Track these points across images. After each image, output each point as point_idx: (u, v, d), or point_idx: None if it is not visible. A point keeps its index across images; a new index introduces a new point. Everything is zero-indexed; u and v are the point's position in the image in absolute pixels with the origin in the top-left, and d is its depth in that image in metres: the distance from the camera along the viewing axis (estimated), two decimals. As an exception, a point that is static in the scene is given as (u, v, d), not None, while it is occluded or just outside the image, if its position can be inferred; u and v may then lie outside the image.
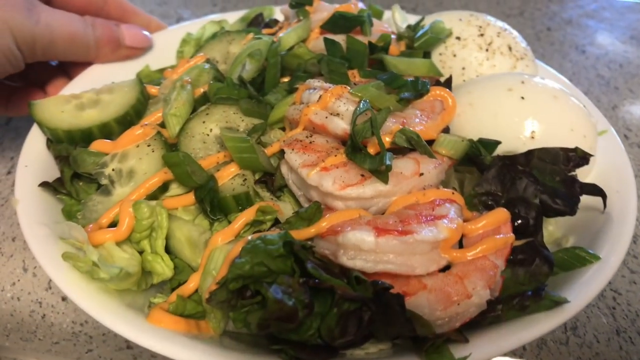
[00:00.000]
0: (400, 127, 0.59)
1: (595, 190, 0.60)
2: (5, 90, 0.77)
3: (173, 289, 0.55)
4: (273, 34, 0.84)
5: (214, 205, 0.58)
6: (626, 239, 0.58)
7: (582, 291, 0.52)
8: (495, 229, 0.54)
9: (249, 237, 0.49)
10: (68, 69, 0.82)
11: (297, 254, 0.46)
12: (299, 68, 0.71)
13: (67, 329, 0.67)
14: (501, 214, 0.55)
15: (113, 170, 0.61)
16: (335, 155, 0.57)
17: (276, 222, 0.57)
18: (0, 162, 0.86)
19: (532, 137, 0.63)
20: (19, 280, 0.70)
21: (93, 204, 0.59)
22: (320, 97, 0.60)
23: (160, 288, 0.58)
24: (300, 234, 0.51)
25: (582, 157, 0.60)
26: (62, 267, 0.52)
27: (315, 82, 0.63)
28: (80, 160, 0.62)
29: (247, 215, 0.55)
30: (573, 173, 0.60)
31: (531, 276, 0.53)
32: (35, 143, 0.67)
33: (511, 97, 0.64)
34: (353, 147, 0.56)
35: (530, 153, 0.60)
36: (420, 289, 0.49)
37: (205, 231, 0.56)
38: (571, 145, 0.61)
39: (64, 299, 0.67)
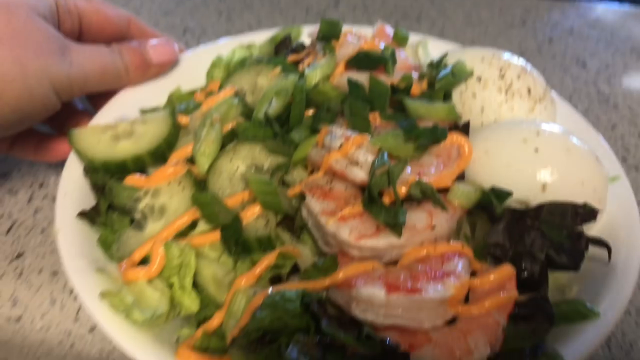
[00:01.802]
0: (417, 177, 0.63)
1: (601, 243, 0.63)
2: (34, 137, 0.80)
3: (198, 321, 0.60)
4: (300, 61, 0.88)
5: (238, 245, 0.62)
6: (627, 294, 0.61)
7: (578, 349, 0.55)
8: (500, 285, 0.57)
9: (269, 291, 0.53)
10: (92, 100, 0.85)
11: (314, 311, 0.50)
12: (323, 105, 0.74)
13: (95, 356, 0.71)
14: (507, 271, 0.58)
15: (146, 205, 0.65)
16: (353, 206, 0.61)
17: (295, 265, 0.61)
18: (21, 188, 0.88)
19: (544, 190, 0.65)
20: (48, 312, 0.73)
21: (127, 238, 0.64)
22: (341, 145, 0.64)
23: (186, 319, 0.62)
24: (316, 285, 0.55)
25: (589, 213, 0.63)
26: (98, 303, 0.57)
27: (338, 130, 0.66)
28: (115, 193, 0.66)
29: (269, 260, 0.59)
30: (580, 228, 0.63)
31: (532, 331, 0.56)
32: (73, 171, 0.71)
33: (525, 149, 0.67)
34: (370, 198, 0.60)
35: (540, 207, 0.63)
36: (426, 342, 0.53)
37: (229, 271, 0.61)
38: (581, 198, 0.64)
39: (92, 330, 0.71)
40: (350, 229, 0.59)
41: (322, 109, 0.73)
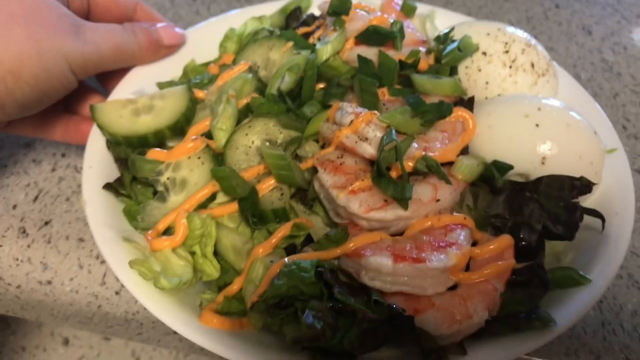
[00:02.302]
0: (423, 152, 0.66)
1: (595, 214, 0.67)
2: (62, 119, 0.82)
3: (218, 287, 0.65)
4: (310, 33, 0.90)
5: (255, 216, 0.66)
6: (617, 262, 0.65)
7: (569, 313, 0.60)
8: (499, 253, 0.62)
9: (286, 260, 0.58)
10: (102, 80, 0.87)
11: (327, 280, 0.55)
12: (334, 80, 0.77)
13: (120, 317, 0.76)
14: (506, 241, 0.62)
15: (168, 179, 0.70)
16: (363, 180, 0.65)
17: (308, 235, 0.66)
18: (44, 158, 0.91)
19: (543, 163, 0.69)
20: (76, 276, 0.78)
21: (151, 209, 0.68)
22: (351, 121, 0.67)
23: (207, 284, 0.67)
24: (329, 254, 0.60)
25: (585, 186, 0.67)
26: (128, 271, 0.62)
27: (348, 107, 0.69)
28: (138, 166, 0.70)
29: (284, 230, 0.64)
30: (576, 200, 0.67)
31: (528, 296, 0.61)
32: (96, 144, 0.75)
33: (527, 124, 0.70)
34: (378, 173, 0.64)
35: (539, 180, 0.67)
36: (429, 307, 0.58)
37: (247, 240, 0.66)
38: (578, 172, 0.67)
39: (117, 293, 0.76)
40: (360, 202, 0.63)
41: (332, 84, 0.76)
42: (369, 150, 0.66)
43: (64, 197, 0.87)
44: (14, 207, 0.85)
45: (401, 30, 0.80)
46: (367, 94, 0.72)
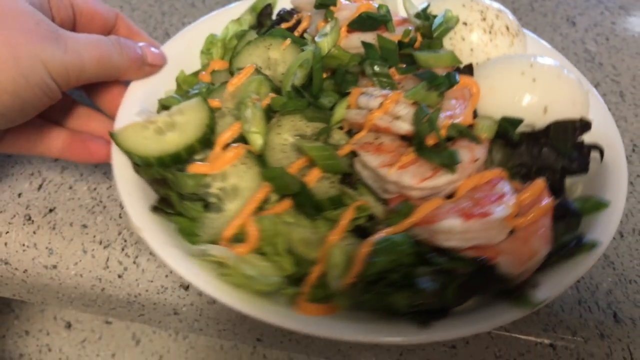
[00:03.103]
0: (450, 121, 0.73)
1: (596, 147, 0.78)
2: (61, 134, 0.80)
3: (294, 280, 0.68)
4: (292, 28, 0.93)
5: (313, 208, 0.70)
6: (624, 183, 0.76)
7: (604, 231, 0.70)
8: (538, 196, 0.70)
9: (375, 239, 0.62)
10: (90, 93, 0.85)
11: (421, 248, 0.61)
12: (341, 69, 0.81)
13: (123, 299, 0.81)
14: (540, 184, 0.71)
15: (218, 189, 0.71)
16: (407, 155, 0.70)
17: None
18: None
19: (545, 112, 0.78)
20: (80, 261, 0.82)
21: (210, 222, 0.69)
22: (381, 103, 0.72)
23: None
24: (402, 227, 0.65)
25: (585, 125, 0.77)
26: (214, 284, 0.64)
27: (374, 90, 0.74)
28: (182, 184, 0.71)
29: (350, 214, 0.68)
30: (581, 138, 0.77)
31: (568, 227, 0.70)
32: (123, 169, 0.74)
33: (525, 80, 0.79)
34: (420, 145, 0.69)
35: (548, 127, 0.76)
36: (499, 254, 0.65)
37: (316, 232, 0.69)
38: (573, 114, 0.78)
39: (120, 276, 0.81)
40: (412, 174, 0.68)
41: (340, 72, 0.80)
42: (405, 127, 0.71)
43: (67, 186, 0.90)
44: (19, 195, 0.88)
45: (389, 13, 0.86)
46: (381, 76, 0.77)
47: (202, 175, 0.71)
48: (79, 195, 0.89)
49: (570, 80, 0.81)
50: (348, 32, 0.85)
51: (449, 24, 0.86)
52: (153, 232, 0.68)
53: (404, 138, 0.73)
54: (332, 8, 0.87)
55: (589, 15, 1.33)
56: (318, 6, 0.88)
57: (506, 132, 0.76)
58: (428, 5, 0.91)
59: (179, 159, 0.74)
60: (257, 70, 0.81)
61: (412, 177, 0.68)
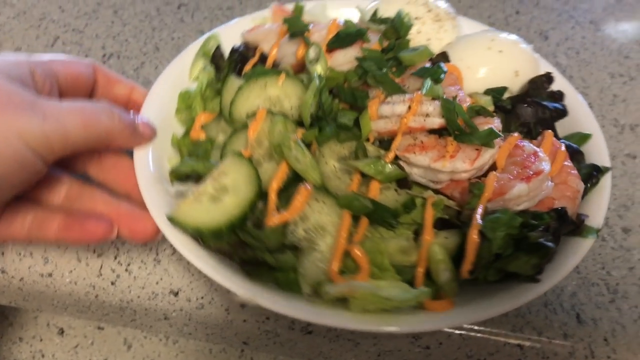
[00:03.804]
0: (465, 105, 0.82)
1: (562, 93, 0.93)
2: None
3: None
4: (261, 62, 0.95)
5: (392, 217, 0.75)
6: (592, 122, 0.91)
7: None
8: (554, 145, 0.83)
9: (480, 222, 0.70)
10: (93, 170, 0.81)
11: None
12: (342, 87, 0.85)
13: (116, 305, 0.86)
14: (550, 134, 0.84)
15: (304, 231, 0.72)
16: (450, 144, 0.78)
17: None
18: None
19: (517, 75, 0.91)
20: (75, 269, 0.86)
21: (310, 265, 0.71)
22: (409, 107, 0.79)
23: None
24: (484, 202, 0.73)
25: (549, 76, 0.92)
26: (345, 315, 0.66)
27: (396, 98, 0.80)
28: (267, 240, 0.71)
29: (430, 212, 0.74)
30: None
31: (578, 163, 0.84)
32: (191, 247, 0.72)
33: (493, 53, 0.91)
34: (458, 133, 0.78)
35: (527, 87, 0.90)
36: (554, 202, 0.77)
37: (408, 238, 0.74)
38: (535, 72, 0.92)
39: (113, 283, 0.86)
40: (462, 160, 0.77)
41: (346, 91, 0.85)
42: (437, 121, 0.79)
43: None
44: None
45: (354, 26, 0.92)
46: (388, 84, 0.84)
47: (283, 226, 0.72)
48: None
49: (522, 45, 0.95)
50: (328, 51, 0.89)
51: (409, 22, 0.94)
52: (266, 296, 0.68)
53: (432, 132, 0.81)
54: (306, 34, 0.90)
55: (560, 30, 1.39)
56: (292, 35, 0.90)
57: (497, 101, 0.88)
58: (376, 10, 0.99)
59: (245, 219, 0.73)
60: (270, 112, 0.82)
61: (463, 162, 0.76)
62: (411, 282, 0.72)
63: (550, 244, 0.68)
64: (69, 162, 0.81)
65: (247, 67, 0.93)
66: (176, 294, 0.85)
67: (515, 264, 0.68)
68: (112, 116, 0.73)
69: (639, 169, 1.02)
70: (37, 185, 0.76)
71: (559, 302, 0.84)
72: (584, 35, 1.37)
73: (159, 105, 0.89)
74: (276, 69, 0.93)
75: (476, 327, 0.81)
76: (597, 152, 0.86)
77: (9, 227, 0.73)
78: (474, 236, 0.69)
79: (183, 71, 0.97)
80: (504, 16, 1.43)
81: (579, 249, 0.73)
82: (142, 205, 0.76)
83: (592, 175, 0.81)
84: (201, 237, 0.72)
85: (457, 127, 0.77)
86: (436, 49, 0.97)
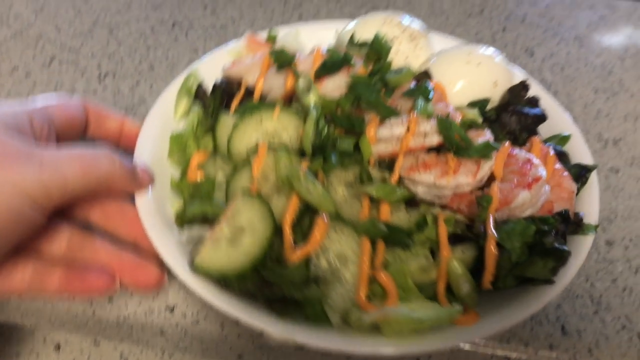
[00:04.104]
0: (457, 120, 0.86)
1: (538, 98, 0.98)
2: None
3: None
4: (247, 97, 0.95)
5: (407, 237, 0.77)
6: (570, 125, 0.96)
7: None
8: (543, 149, 0.88)
9: (494, 235, 0.73)
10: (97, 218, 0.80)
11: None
12: (335, 115, 0.87)
13: (113, 321, 0.87)
14: (538, 140, 0.88)
15: (327, 263, 0.73)
16: (452, 160, 0.81)
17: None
18: None
19: (496, 86, 0.96)
20: None
21: (339, 296, 0.72)
22: (408, 128, 0.82)
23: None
24: (492, 213, 0.76)
25: (525, 85, 0.97)
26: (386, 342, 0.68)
27: (393, 120, 0.83)
28: (292, 277, 0.72)
29: (444, 229, 0.77)
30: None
31: (565, 163, 0.89)
32: (214, 292, 0.71)
33: (472, 67, 0.95)
34: (456, 148, 0.81)
35: (506, 97, 0.94)
36: (553, 205, 0.81)
37: (427, 256, 0.76)
38: (510, 82, 0.97)
39: (110, 300, 0.87)
40: (465, 174, 0.80)
41: (341, 117, 0.86)
42: (436, 139, 0.82)
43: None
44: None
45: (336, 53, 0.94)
46: (382, 108, 0.86)
47: (305, 261, 0.73)
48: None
49: (496, 58, 0.99)
50: (316, 80, 0.91)
51: (387, 43, 0.97)
52: (302, 333, 0.68)
53: (430, 149, 0.84)
54: (293, 65, 0.91)
55: (546, 46, 1.42)
56: (280, 67, 0.91)
57: (483, 112, 0.92)
58: (353, 34, 1.01)
59: (266, 257, 0.73)
60: (271, 145, 0.83)
61: (466, 176, 0.80)
62: (433, 298, 0.75)
63: (565, 247, 0.71)
64: (69, 210, 0.79)
65: (235, 103, 0.93)
66: (172, 310, 0.86)
67: (532, 270, 0.71)
68: (113, 162, 0.73)
69: (622, 182, 1.07)
70: (37, 236, 0.74)
71: (545, 313, 0.85)
72: (569, 51, 1.41)
73: (151, 148, 0.88)
74: (264, 101, 0.93)
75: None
76: (579, 151, 0.92)
77: (9, 282, 0.71)
78: (492, 248, 0.72)
79: (168, 110, 0.96)
80: (491, 33, 1.46)
81: (582, 247, 0.78)
82: (147, 253, 0.76)
83: (580, 174, 0.86)
84: (226, 281, 0.71)
85: (455, 144, 0.80)
86: (414, 66, 1.01)
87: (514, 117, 0.92)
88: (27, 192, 0.62)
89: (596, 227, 0.80)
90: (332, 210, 0.76)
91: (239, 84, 0.97)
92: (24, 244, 0.72)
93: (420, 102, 0.85)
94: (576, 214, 0.81)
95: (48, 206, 0.66)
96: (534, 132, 0.93)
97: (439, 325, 0.70)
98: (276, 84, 0.93)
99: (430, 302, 0.72)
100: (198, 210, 0.80)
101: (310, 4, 1.55)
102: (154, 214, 0.79)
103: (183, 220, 0.82)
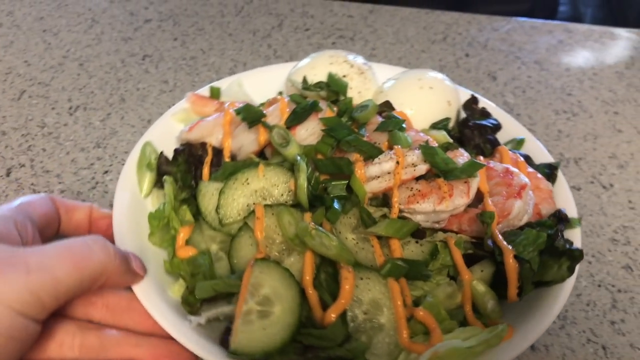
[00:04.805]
0: (434, 144, 0.89)
1: (487, 110, 1.05)
2: None
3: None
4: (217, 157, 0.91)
5: (425, 268, 0.78)
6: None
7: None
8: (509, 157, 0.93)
9: (511, 249, 0.76)
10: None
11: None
12: (319, 161, 0.86)
13: None
14: (506, 149, 0.94)
15: (365, 313, 0.72)
16: (444, 185, 0.84)
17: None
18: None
19: (450, 105, 1.01)
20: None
21: (384, 344, 0.71)
22: (397, 162, 0.83)
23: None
24: (496, 228, 0.80)
25: (474, 98, 1.03)
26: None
27: (382, 157, 0.83)
28: (333, 337, 0.70)
29: (458, 254, 0.79)
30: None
31: (531, 164, 0.96)
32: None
33: (426, 91, 1.00)
34: (445, 172, 0.84)
35: (466, 114, 1.00)
36: (540, 208, 0.87)
37: (450, 283, 0.78)
38: (460, 99, 1.03)
39: None
40: (459, 196, 0.83)
41: (326, 162, 0.86)
42: (424, 167, 0.84)
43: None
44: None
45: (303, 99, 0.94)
46: (364, 146, 0.86)
47: (343, 317, 0.71)
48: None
49: (445, 80, 1.04)
50: (291, 129, 0.90)
51: (341, 81, 0.99)
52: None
53: (417, 178, 0.86)
54: (263, 120, 0.89)
55: (507, 70, 1.47)
56: (251, 124, 0.89)
57: (447, 132, 0.96)
58: (305, 77, 1.01)
59: (300, 323, 0.71)
60: (268, 206, 0.80)
61: (461, 197, 0.82)
62: (463, 322, 0.76)
63: (576, 247, 0.76)
64: (68, 310, 0.70)
65: (206, 168, 0.89)
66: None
67: (550, 274, 0.76)
68: (106, 249, 0.66)
69: (584, 200, 1.15)
70: (41, 344, 0.66)
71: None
72: (530, 75, 1.47)
73: (128, 233, 0.82)
74: (235, 161, 0.90)
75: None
76: (539, 152, 0.99)
77: None
78: (511, 262, 0.75)
79: (133, 188, 0.89)
80: (455, 59, 1.50)
81: (575, 239, 0.84)
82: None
83: (549, 173, 0.93)
84: (267, 358, 0.67)
85: (442, 168, 0.83)
86: (364, 99, 1.03)
87: (475, 130, 0.97)
88: (14, 305, 0.56)
89: (579, 219, 0.86)
90: (352, 260, 0.75)
91: (203, 147, 0.93)
92: (28, 356, 0.64)
93: (401, 134, 0.86)
94: (560, 211, 0.87)
95: (42, 314, 0.59)
96: (497, 142, 0.98)
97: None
98: (247, 141, 0.90)
99: (471, 328, 0.73)
100: (209, 290, 0.75)
101: (278, 34, 1.58)
102: (160, 304, 0.73)
103: (194, 304, 0.76)
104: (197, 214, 0.86)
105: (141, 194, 0.90)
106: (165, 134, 0.99)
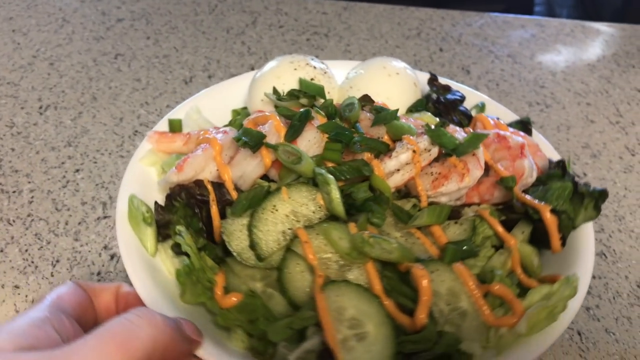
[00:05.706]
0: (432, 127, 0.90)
1: (448, 85, 1.09)
2: None
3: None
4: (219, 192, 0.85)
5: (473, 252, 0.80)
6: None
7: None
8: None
9: (548, 207, 0.80)
10: None
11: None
12: (336, 169, 0.83)
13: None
14: (483, 115, 0.98)
15: (447, 305, 0.72)
16: (457, 163, 0.85)
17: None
18: None
19: (416, 86, 1.03)
20: None
21: (471, 328, 0.71)
22: (414, 150, 0.83)
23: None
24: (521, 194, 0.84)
25: (434, 75, 1.07)
26: None
27: (399, 148, 0.83)
28: (430, 336, 0.69)
29: (496, 222, 0.81)
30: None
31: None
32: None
33: (394, 77, 1.01)
34: (457, 150, 0.85)
35: (433, 91, 1.03)
36: (537, 162, 0.93)
37: (501, 252, 0.80)
38: (419, 80, 1.06)
39: None
40: (475, 168, 0.85)
41: (341, 170, 0.83)
42: (436, 149, 0.85)
43: None
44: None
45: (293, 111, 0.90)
46: (372, 143, 0.85)
47: (430, 315, 0.70)
48: (10, 258, 0.98)
49: (407, 66, 1.06)
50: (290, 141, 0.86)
51: (318, 84, 0.96)
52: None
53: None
54: (265, 141, 0.84)
55: (481, 64, 1.45)
56: (255, 148, 0.83)
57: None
58: (274, 88, 0.97)
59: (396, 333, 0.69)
60: (309, 227, 0.76)
61: (476, 170, 0.85)
62: (518, 285, 0.79)
63: (597, 187, 0.82)
64: None
65: (214, 207, 0.82)
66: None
67: (581, 218, 0.81)
68: (153, 320, 0.58)
69: None
70: None
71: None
72: (503, 68, 1.49)
73: (160, 300, 0.73)
74: (239, 191, 0.84)
75: None
76: (502, 112, 1.05)
77: None
78: (549, 217, 0.79)
79: (139, 252, 0.80)
80: (429, 54, 1.50)
81: None
82: None
83: (525, 129, 0.99)
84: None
85: (451, 147, 0.85)
86: (335, 97, 1.02)
87: (450, 105, 1.00)
88: None
89: (568, 162, 0.93)
90: (414, 257, 0.74)
91: (199, 185, 0.85)
92: None
93: (403, 123, 0.86)
94: (562, 161, 0.93)
95: None
96: (469, 113, 1.02)
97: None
98: (249, 168, 0.84)
99: (542, 286, 0.75)
100: (285, 331, 0.70)
101: (252, 31, 1.55)
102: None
103: (264, 351, 0.71)
104: (221, 257, 0.79)
105: (149, 252, 0.80)
106: (143, 182, 0.89)
